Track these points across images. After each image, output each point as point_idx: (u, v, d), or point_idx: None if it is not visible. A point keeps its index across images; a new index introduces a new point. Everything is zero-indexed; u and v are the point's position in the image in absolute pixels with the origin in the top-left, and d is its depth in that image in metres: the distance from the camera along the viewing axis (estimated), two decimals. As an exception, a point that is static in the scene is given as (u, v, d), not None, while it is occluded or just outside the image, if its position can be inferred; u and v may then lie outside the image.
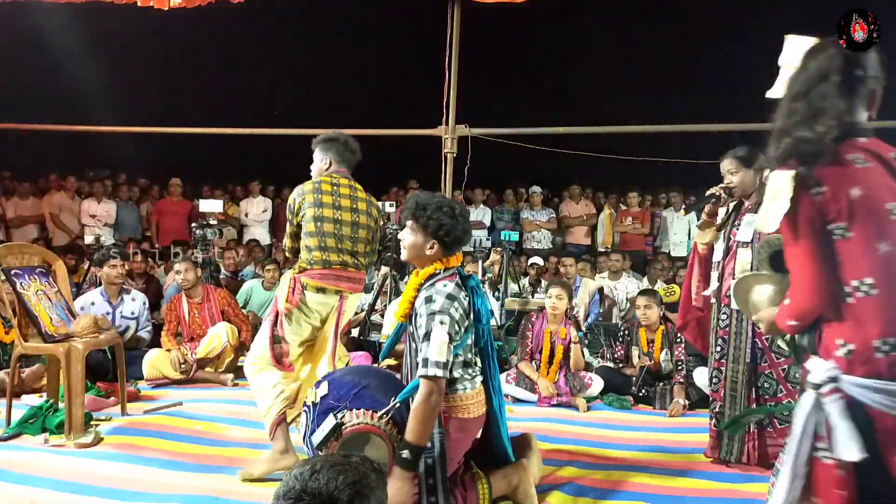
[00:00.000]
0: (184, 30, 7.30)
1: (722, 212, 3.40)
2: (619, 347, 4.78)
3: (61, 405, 3.50)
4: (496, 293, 5.75)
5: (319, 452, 2.23)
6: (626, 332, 4.78)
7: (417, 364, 2.29)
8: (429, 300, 2.30)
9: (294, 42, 9.09)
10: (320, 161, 3.26)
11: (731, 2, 8.59)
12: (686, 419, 4.06)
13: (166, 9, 5.71)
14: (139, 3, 5.75)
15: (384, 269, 5.84)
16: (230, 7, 5.87)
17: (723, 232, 3.36)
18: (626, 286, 6.70)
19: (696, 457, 3.38)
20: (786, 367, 3.13)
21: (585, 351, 4.84)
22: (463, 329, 2.33)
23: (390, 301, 5.22)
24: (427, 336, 2.25)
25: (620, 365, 4.74)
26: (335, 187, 3.16)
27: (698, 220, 3.37)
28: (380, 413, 2.28)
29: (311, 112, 8.79)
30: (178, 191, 8.20)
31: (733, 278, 3.21)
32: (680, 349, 4.46)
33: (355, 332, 5.45)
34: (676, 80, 9.52)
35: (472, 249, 6.47)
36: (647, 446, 3.54)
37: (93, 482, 2.85)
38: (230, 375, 4.73)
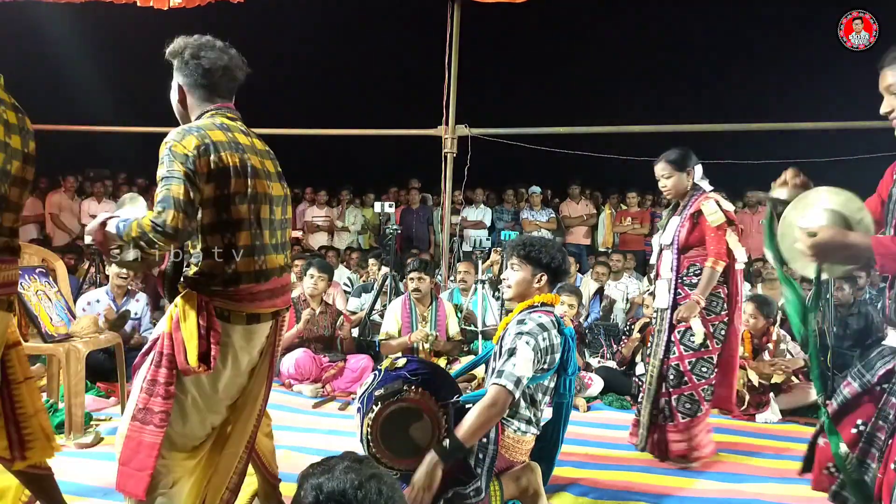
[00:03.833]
0: (184, 30, 7.30)
1: (665, 213, 3.53)
2: (627, 341, 4.78)
3: (61, 405, 3.50)
4: (496, 293, 5.75)
5: (374, 407, 2.28)
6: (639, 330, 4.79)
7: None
8: (521, 322, 2.38)
9: (294, 42, 9.09)
10: (191, 91, 2.09)
11: (731, 2, 8.59)
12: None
13: (166, 9, 5.72)
14: (139, 3, 5.75)
15: (384, 269, 5.84)
16: (230, 7, 5.87)
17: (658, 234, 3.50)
18: (627, 286, 6.71)
19: (696, 457, 3.38)
20: (692, 359, 3.22)
21: (585, 351, 4.85)
22: (545, 364, 2.37)
23: (390, 301, 5.22)
24: (511, 352, 2.30)
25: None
26: (250, 138, 2.08)
27: None
28: (440, 403, 2.33)
29: (311, 112, 8.79)
30: (178, 191, 8.17)
31: (658, 279, 3.38)
32: None
33: (355, 332, 5.45)
34: (676, 80, 9.51)
35: (471, 249, 6.47)
36: (647, 446, 3.54)
37: (93, 482, 2.86)
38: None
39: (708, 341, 3.23)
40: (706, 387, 3.26)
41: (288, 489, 2.82)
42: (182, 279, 2.01)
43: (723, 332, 3.28)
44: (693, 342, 3.22)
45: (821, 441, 1.78)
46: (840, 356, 4.80)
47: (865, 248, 1.49)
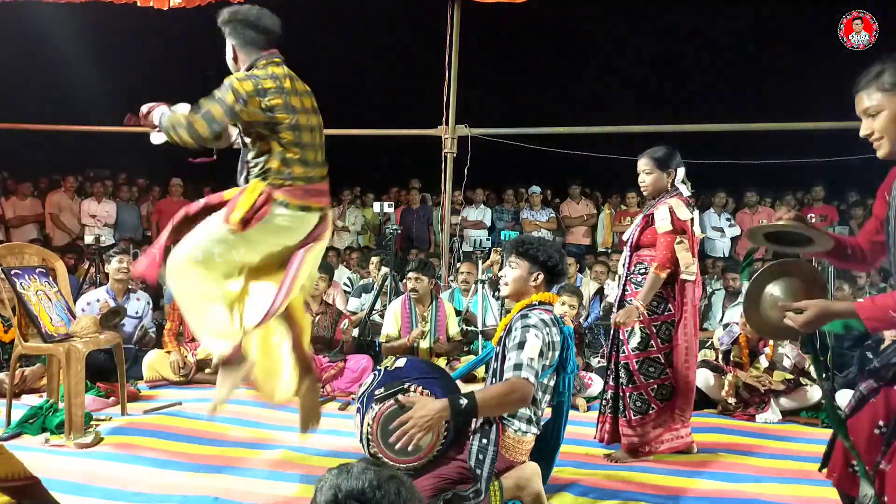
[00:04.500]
0: (184, 30, 7.29)
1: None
2: None
3: (61, 405, 3.50)
4: (496, 293, 5.75)
5: (374, 406, 2.30)
6: None
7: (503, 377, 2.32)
8: (524, 317, 2.39)
9: (293, 42, 9.04)
10: (241, 49, 2.68)
11: (730, 2, 8.59)
12: (686, 419, 4.07)
13: (166, 9, 5.72)
14: (139, 3, 5.75)
15: (384, 270, 5.84)
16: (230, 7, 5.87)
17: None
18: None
19: (696, 457, 3.38)
20: (639, 359, 3.25)
21: (585, 351, 4.86)
22: (546, 361, 2.36)
23: (390, 301, 5.22)
24: (520, 345, 2.29)
25: None
26: (293, 82, 2.67)
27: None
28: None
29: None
30: (179, 191, 8.20)
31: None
32: None
33: (355, 333, 5.45)
34: (677, 80, 9.52)
35: (471, 249, 6.46)
36: (647, 446, 3.54)
37: (93, 482, 2.85)
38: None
39: (652, 341, 3.25)
40: (655, 386, 3.26)
41: (288, 488, 2.83)
42: (249, 174, 2.68)
43: (667, 332, 3.26)
44: (632, 334, 3.25)
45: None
46: (840, 356, 4.80)
47: (851, 313, 1.62)
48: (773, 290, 1.75)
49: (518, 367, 2.25)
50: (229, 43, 2.71)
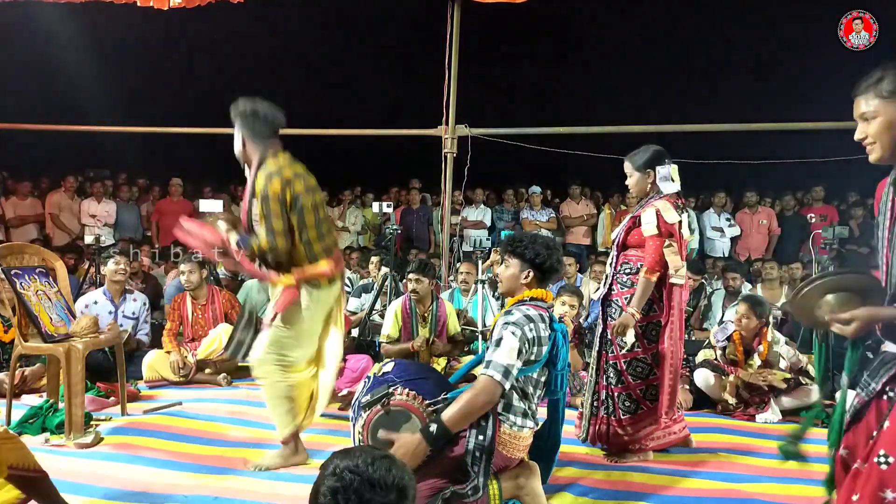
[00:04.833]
0: (184, 30, 7.29)
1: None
2: None
3: (61, 405, 3.50)
4: (496, 293, 5.75)
5: (362, 414, 2.37)
6: None
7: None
8: (507, 313, 2.44)
9: (294, 42, 9.08)
10: (250, 139, 2.97)
11: (732, 3, 8.59)
12: (686, 419, 4.05)
13: (166, 9, 5.72)
14: (139, 3, 5.75)
15: (384, 270, 5.84)
16: (230, 7, 5.87)
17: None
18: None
19: (696, 456, 3.39)
20: (627, 359, 3.27)
21: (586, 351, 4.85)
22: (532, 356, 2.38)
23: (390, 301, 5.22)
24: (497, 343, 2.34)
25: None
26: (295, 166, 2.99)
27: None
28: (427, 402, 2.36)
29: (312, 112, 8.79)
30: (179, 191, 8.20)
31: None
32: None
33: (355, 333, 5.45)
34: (677, 80, 9.51)
35: (471, 249, 6.45)
36: (647, 446, 3.53)
37: (93, 482, 2.85)
38: (224, 375, 4.73)
39: (638, 342, 3.25)
40: (644, 387, 3.28)
41: (288, 488, 2.83)
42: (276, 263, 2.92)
43: (654, 334, 3.26)
44: (624, 343, 3.25)
45: (843, 452, 1.77)
46: (840, 356, 4.79)
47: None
48: (830, 298, 1.75)
49: (488, 364, 2.31)
50: (239, 133, 2.98)
